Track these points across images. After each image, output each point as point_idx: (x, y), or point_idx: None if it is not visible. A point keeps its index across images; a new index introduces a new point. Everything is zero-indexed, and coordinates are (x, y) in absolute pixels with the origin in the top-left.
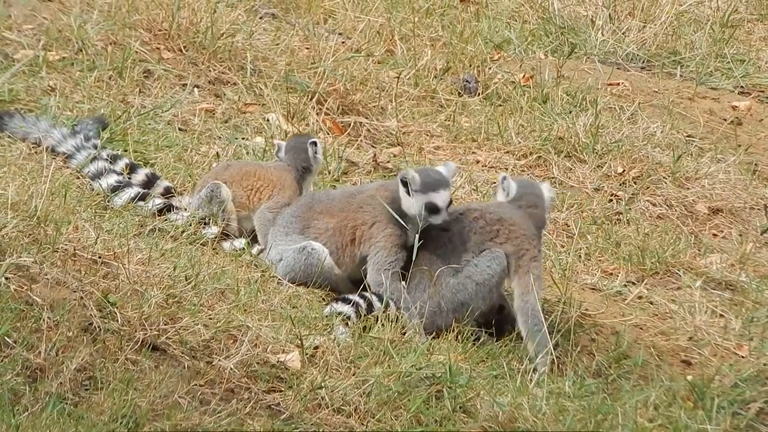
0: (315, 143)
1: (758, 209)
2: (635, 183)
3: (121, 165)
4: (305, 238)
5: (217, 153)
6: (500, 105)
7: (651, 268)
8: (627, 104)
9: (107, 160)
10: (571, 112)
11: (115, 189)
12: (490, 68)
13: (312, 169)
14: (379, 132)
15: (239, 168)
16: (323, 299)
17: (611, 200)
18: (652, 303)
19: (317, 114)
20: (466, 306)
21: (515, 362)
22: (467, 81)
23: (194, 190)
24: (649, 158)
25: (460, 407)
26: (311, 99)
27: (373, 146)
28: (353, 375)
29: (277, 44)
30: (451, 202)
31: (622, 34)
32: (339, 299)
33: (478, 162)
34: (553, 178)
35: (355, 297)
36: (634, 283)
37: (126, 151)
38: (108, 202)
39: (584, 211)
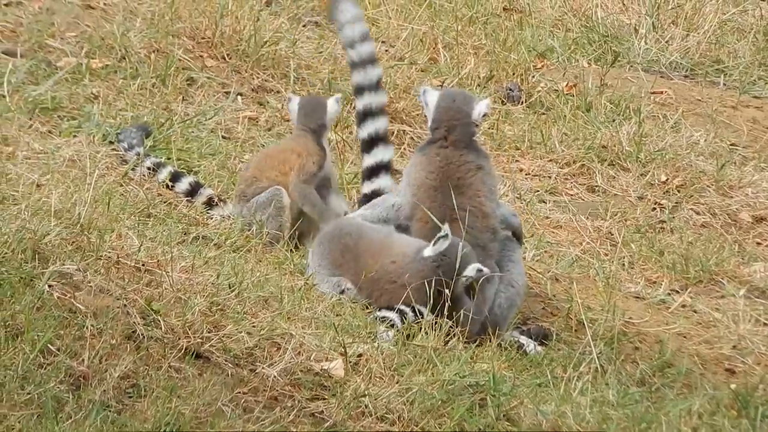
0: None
1: None
2: (679, 191)
3: (165, 173)
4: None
5: None
6: (543, 113)
7: (695, 277)
8: (670, 113)
9: (151, 168)
10: (614, 121)
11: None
12: (533, 76)
13: (327, 126)
14: (423, 140)
15: (259, 156)
16: (367, 307)
17: (655, 209)
18: (695, 312)
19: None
20: (515, 310)
21: (558, 370)
22: (510, 89)
23: (235, 198)
24: (693, 167)
25: (503, 415)
26: (355, 107)
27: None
28: (396, 383)
29: (321, 52)
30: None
31: (666, 42)
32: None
33: (521, 170)
34: (596, 186)
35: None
36: (677, 292)
37: (169, 159)
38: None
39: (628, 219)
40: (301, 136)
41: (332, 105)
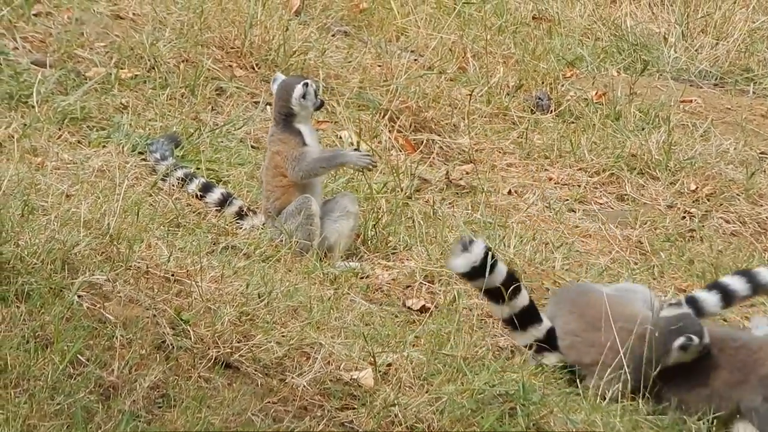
0: (306, 84)
1: None
2: (708, 200)
3: (196, 184)
4: None
5: None
6: (573, 122)
7: None
8: (700, 121)
9: (182, 179)
10: (643, 129)
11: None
12: (562, 85)
13: (296, 112)
14: (452, 149)
15: (263, 171)
16: (396, 316)
17: (684, 217)
18: (725, 320)
19: (389, 131)
20: None
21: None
22: (540, 98)
23: (262, 209)
24: (722, 175)
25: (533, 425)
26: (383, 116)
27: (445, 163)
28: (426, 392)
29: (350, 62)
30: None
31: (695, 51)
32: None
33: (550, 179)
34: (625, 195)
35: None
36: None
37: (199, 168)
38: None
39: (657, 228)
40: (273, 134)
41: (299, 90)
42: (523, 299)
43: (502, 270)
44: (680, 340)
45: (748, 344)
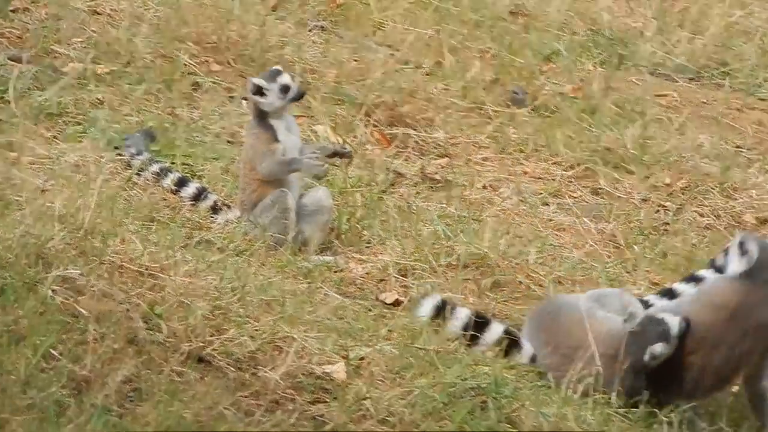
0: (254, 91)
1: None
2: (683, 194)
3: (171, 178)
4: None
5: None
6: (548, 116)
7: None
8: (675, 115)
9: (157, 174)
10: (619, 123)
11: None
12: (538, 80)
13: (266, 108)
14: (427, 143)
15: (241, 165)
16: (369, 309)
17: (658, 211)
18: None
19: (365, 126)
20: None
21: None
22: (516, 92)
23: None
24: (697, 169)
25: (505, 418)
26: (359, 111)
27: (420, 157)
28: (398, 386)
29: (326, 57)
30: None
31: (672, 45)
32: None
33: (525, 173)
34: (600, 188)
35: None
36: None
37: (174, 163)
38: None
39: (631, 221)
40: (249, 128)
41: (251, 86)
42: (495, 332)
43: (461, 313)
44: (648, 354)
45: None
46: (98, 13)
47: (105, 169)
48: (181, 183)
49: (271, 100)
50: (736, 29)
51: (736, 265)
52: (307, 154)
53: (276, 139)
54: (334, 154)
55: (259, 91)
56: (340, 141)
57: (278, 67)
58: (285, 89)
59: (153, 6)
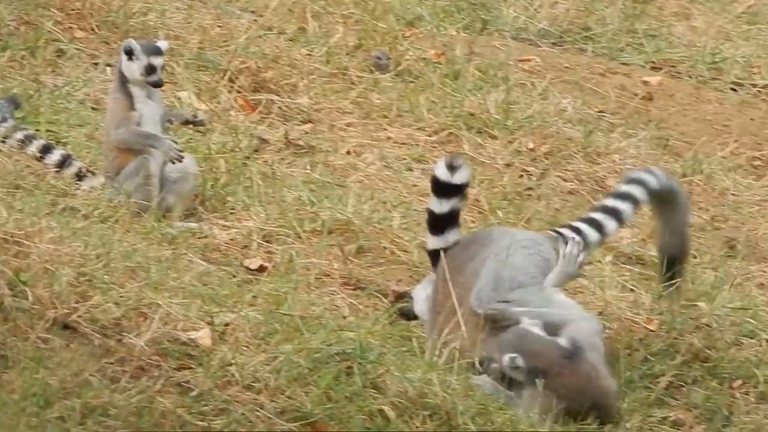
0: (127, 50)
1: None
2: (546, 158)
3: (36, 146)
4: None
5: None
6: (412, 82)
7: None
8: (538, 80)
9: (21, 141)
10: (482, 89)
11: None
12: (401, 45)
13: (128, 75)
14: (291, 109)
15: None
16: (234, 275)
17: (522, 176)
18: None
19: (229, 92)
20: None
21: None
22: (379, 58)
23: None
24: (560, 134)
25: (370, 383)
26: (223, 77)
27: (284, 123)
28: (263, 352)
29: (189, 23)
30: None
31: (534, 10)
32: None
33: (389, 138)
34: (464, 153)
35: None
36: None
37: (38, 130)
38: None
39: (495, 186)
40: (110, 92)
41: (124, 51)
42: None
43: None
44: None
45: None
46: None
47: None
48: (46, 150)
49: (134, 69)
50: None
51: None
52: (169, 127)
53: (133, 108)
54: (187, 122)
55: (129, 53)
56: (204, 107)
57: (162, 45)
58: (150, 70)
59: None
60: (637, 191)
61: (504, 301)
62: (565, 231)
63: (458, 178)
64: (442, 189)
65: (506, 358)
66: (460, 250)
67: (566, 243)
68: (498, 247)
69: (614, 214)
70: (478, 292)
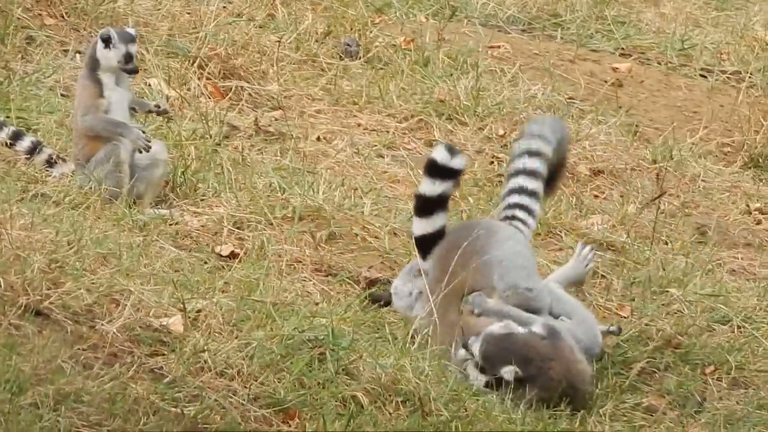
0: (105, 38)
1: (639, 170)
2: None
3: (6, 132)
4: None
5: None
6: (381, 68)
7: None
8: (508, 67)
9: None
10: (452, 75)
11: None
12: (371, 32)
13: (101, 62)
14: (261, 96)
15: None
16: (205, 262)
17: (492, 162)
18: None
19: (198, 78)
20: None
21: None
22: (348, 45)
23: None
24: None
25: (342, 369)
26: (192, 64)
27: (254, 110)
28: (236, 338)
29: (159, 9)
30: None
31: None
32: None
33: (359, 125)
34: (434, 140)
35: None
36: None
37: (8, 117)
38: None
39: (466, 173)
40: (79, 79)
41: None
42: None
43: None
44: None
45: None
46: None
47: None
48: (16, 136)
49: (110, 57)
50: None
51: None
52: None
53: (101, 95)
54: (150, 111)
55: (107, 41)
56: (173, 94)
57: (135, 33)
58: (128, 58)
59: None
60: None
61: (527, 289)
62: (518, 213)
63: (456, 163)
64: (438, 171)
65: (507, 372)
66: (455, 240)
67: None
68: (502, 238)
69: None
70: (502, 278)
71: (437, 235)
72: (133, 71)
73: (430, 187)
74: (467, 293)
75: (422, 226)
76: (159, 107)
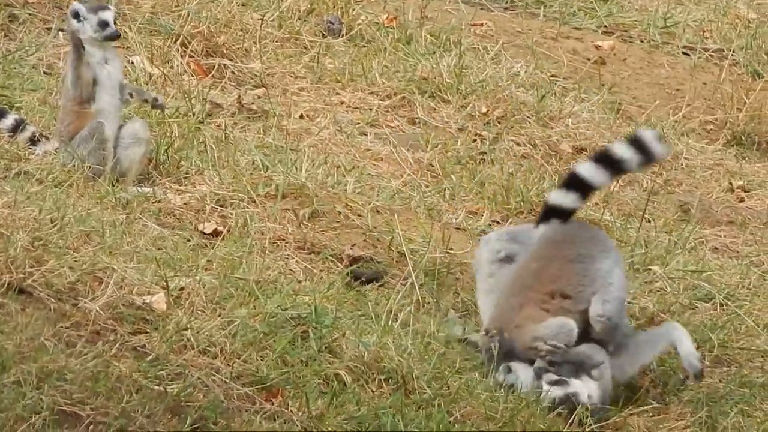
0: (74, 13)
1: None
2: (499, 123)
3: None
4: None
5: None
6: (364, 46)
7: (515, 208)
8: (491, 44)
9: None
10: (434, 53)
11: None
12: (353, 9)
13: (82, 37)
14: (244, 74)
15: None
16: (188, 240)
17: (475, 140)
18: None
19: (181, 56)
20: None
21: (380, 305)
22: (331, 22)
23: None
24: (513, 98)
25: (325, 347)
26: (175, 41)
27: (237, 88)
28: (219, 316)
29: None
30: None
31: None
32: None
33: (342, 103)
34: (417, 118)
35: None
36: (498, 223)
37: None
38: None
39: (449, 151)
40: (66, 58)
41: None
42: None
43: None
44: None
45: None
46: None
47: None
48: (0, 115)
49: (86, 29)
50: None
51: None
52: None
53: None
54: (146, 101)
55: (76, 16)
56: (156, 72)
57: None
58: (103, 25)
59: None
60: None
61: (617, 325)
62: None
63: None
64: (613, 166)
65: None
66: (563, 232)
67: None
68: (612, 259)
69: None
70: (602, 304)
71: (564, 213)
72: (113, 36)
73: (591, 173)
74: (550, 291)
75: (560, 197)
76: (157, 100)
